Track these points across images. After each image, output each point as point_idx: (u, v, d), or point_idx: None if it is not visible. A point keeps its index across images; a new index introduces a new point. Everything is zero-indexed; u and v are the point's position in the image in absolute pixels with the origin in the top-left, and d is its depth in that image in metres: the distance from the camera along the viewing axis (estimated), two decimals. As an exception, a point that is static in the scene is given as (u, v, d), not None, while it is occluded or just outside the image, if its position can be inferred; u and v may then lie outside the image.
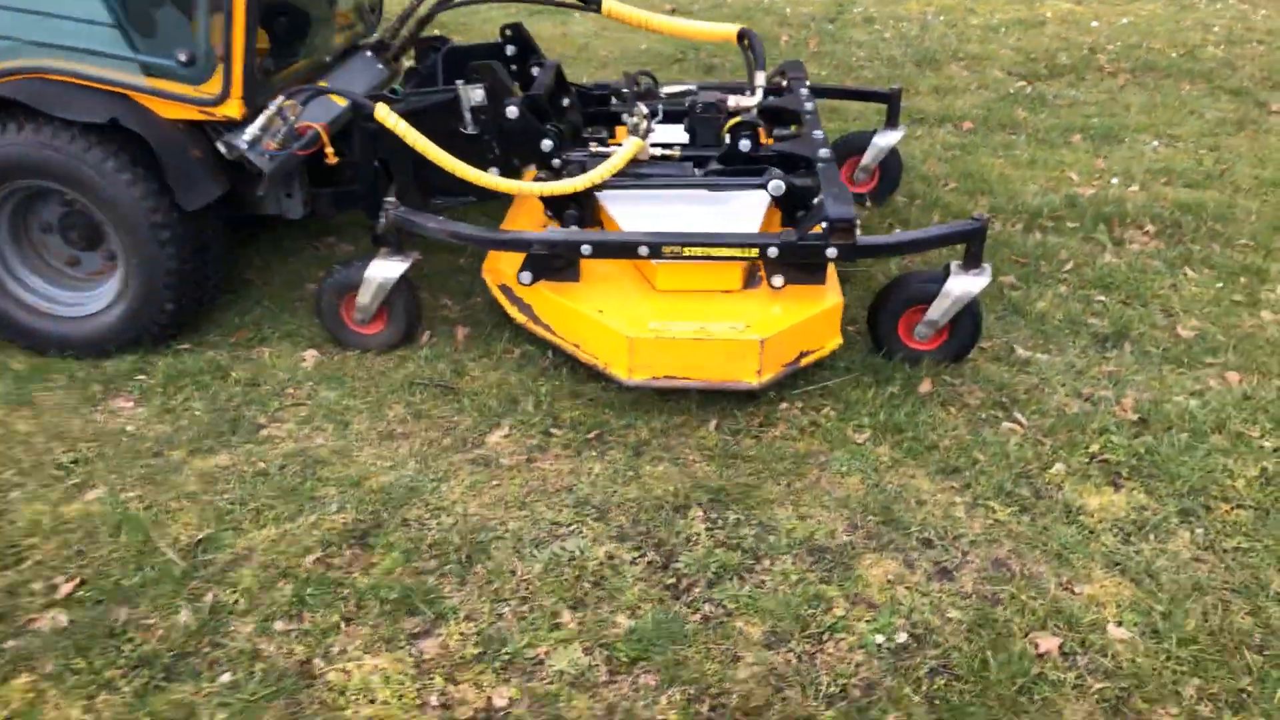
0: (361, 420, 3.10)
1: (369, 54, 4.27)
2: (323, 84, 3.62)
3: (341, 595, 2.46)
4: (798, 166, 3.55)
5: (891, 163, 4.57)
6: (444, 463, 2.91)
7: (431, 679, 2.25)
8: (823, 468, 2.89)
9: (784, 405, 3.16)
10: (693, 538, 2.63)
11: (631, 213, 3.47)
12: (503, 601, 2.44)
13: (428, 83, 4.04)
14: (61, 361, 3.37)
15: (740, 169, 3.54)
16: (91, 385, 3.26)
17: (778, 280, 3.23)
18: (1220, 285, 3.88)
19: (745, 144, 3.57)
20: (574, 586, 2.48)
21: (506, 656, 2.30)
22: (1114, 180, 4.80)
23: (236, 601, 2.43)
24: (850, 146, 4.59)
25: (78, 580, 2.49)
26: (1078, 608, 2.40)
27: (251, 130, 3.18)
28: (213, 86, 3.14)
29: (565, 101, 4.13)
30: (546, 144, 3.55)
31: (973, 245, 3.18)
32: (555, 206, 3.52)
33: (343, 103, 3.52)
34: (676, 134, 3.87)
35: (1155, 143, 5.30)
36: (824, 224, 3.10)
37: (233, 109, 3.19)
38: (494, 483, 2.84)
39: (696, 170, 3.55)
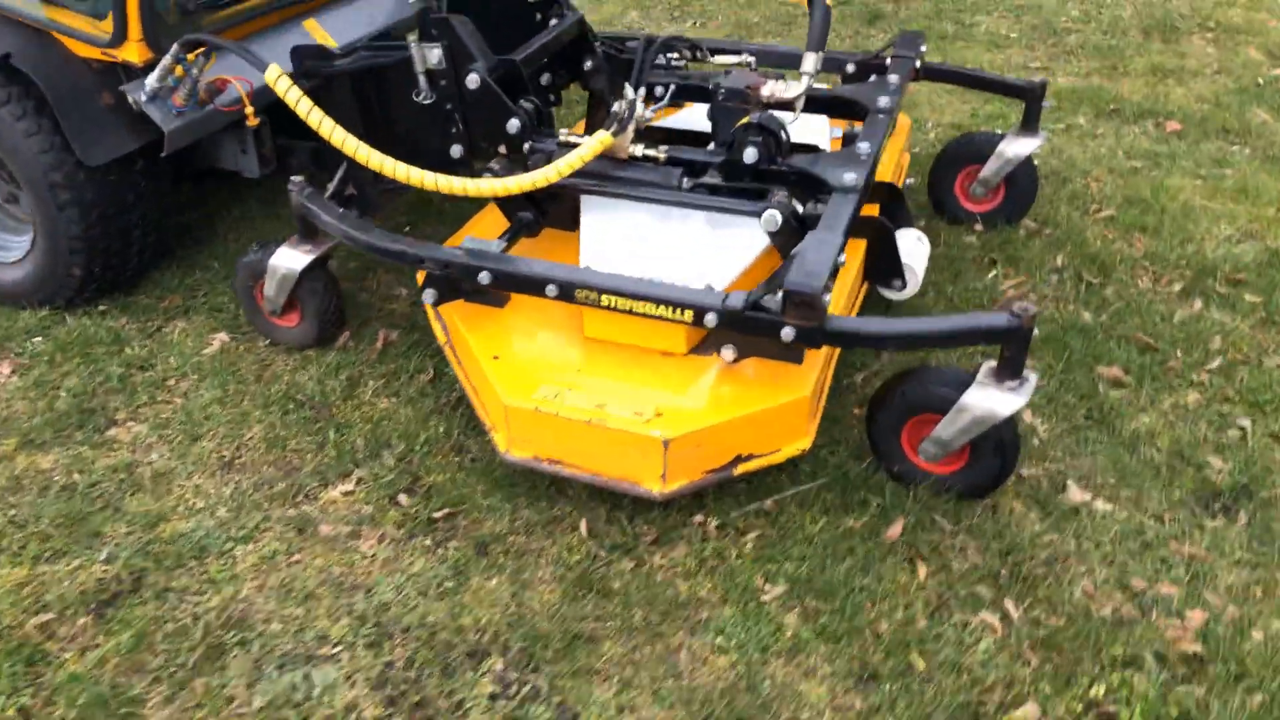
0: (213, 438, 2.66)
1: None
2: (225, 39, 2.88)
3: (35, 681, 2.05)
4: (822, 189, 2.67)
5: (1022, 178, 3.49)
6: (258, 516, 2.42)
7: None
8: (695, 630, 2.14)
9: (698, 517, 2.40)
10: (465, 707, 2.00)
11: (601, 225, 2.75)
12: (198, 741, 1.95)
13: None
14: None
15: (742, 186, 2.70)
16: (-16, 341, 3.03)
17: (728, 353, 2.43)
18: None
19: (751, 153, 2.70)
20: (285, 743, 1.94)
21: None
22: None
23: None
24: (969, 150, 3.55)
25: None
26: None
27: (150, 81, 2.73)
28: (109, 24, 2.70)
29: (588, 64, 3.39)
30: (513, 124, 2.86)
31: (1008, 349, 2.23)
32: (507, 205, 2.87)
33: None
34: (700, 121, 3.06)
35: None
36: (780, 293, 2.26)
37: (131, 52, 2.74)
38: (294, 558, 2.32)
39: (686, 180, 2.74)
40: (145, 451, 2.62)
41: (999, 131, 3.59)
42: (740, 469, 2.38)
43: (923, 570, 2.26)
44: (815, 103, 3.19)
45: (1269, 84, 4.52)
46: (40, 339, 3.01)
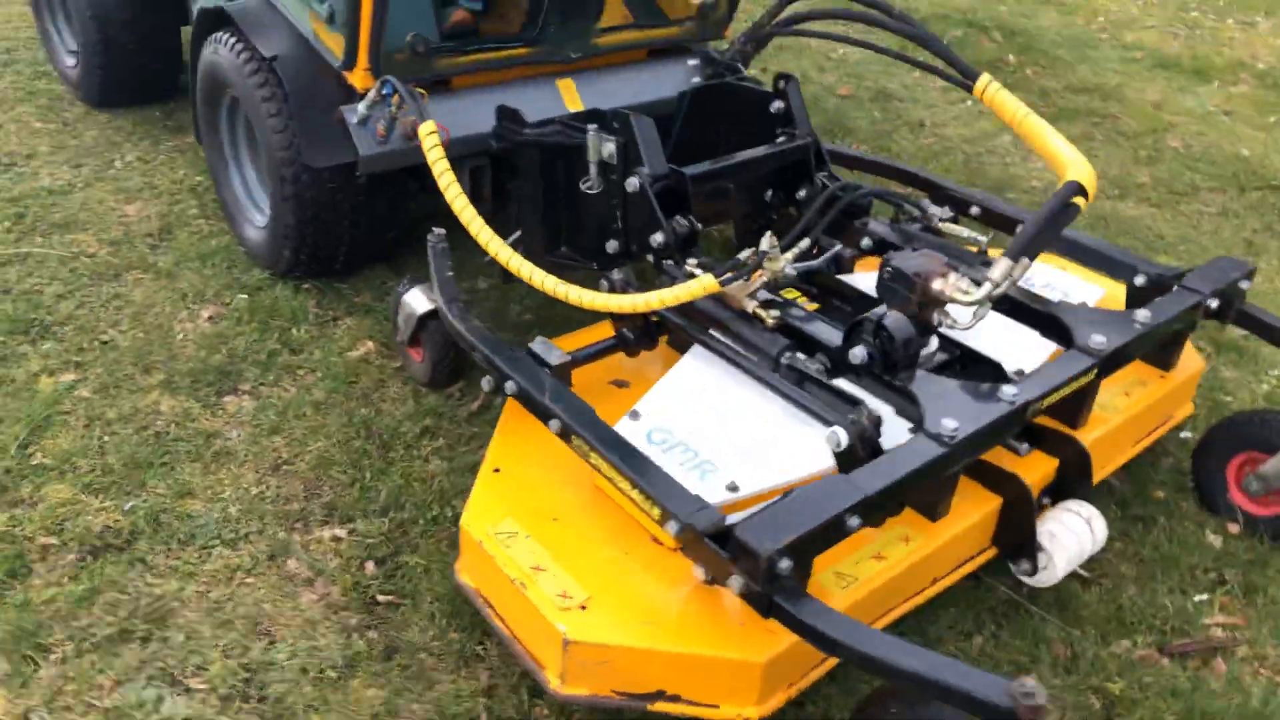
0: (287, 437, 2.84)
1: (690, 62, 3.63)
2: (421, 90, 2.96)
3: (1, 595, 2.34)
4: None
5: None
6: (255, 525, 2.54)
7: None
8: None
9: (598, 731, 2.10)
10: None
11: (689, 369, 2.53)
12: None
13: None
14: (228, 256, 3.64)
15: (832, 389, 2.30)
16: (206, 287, 3.47)
17: (699, 572, 2.07)
18: None
19: (859, 353, 2.29)
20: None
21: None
22: None
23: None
24: (1253, 431, 2.73)
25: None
26: None
27: (360, 108, 2.95)
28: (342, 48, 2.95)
29: (802, 193, 3.08)
30: (657, 238, 2.70)
31: None
32: (615, 318, 2.72)
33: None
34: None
35: None
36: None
37: (356, 78, 2.98)
38: (248, 579, 2.40)
39: (793, 355, 2.38)
40: (231, 426, 2.88)
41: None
42: (660, 707, 2.03)
43: None
44: (1014, 308, 2.66)
45: None
46: (245, 297, 3.42)
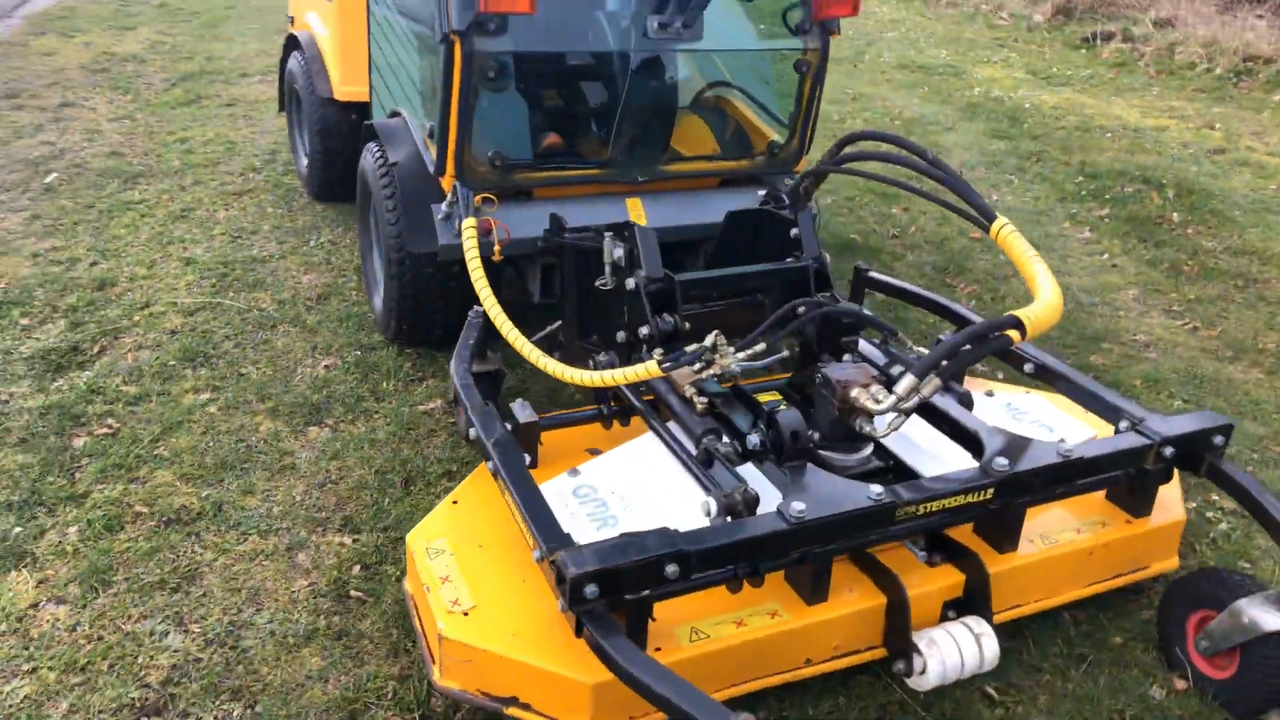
0: (339, 462, 3.48)
1: (760, 192, 4.06)
2: (488, 199, 3.60)
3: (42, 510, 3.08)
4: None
5: (1265, 660, 2.55)
6: (257, 523, 3.17)
7: None
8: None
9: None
10: None
11: (633, 446, 2.92)
12: None
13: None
14: (361, 322, 4.42)
15: (729, 468, 2.61)
16: (334, 342, 4.25)
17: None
18: None
19: (753, 440, 2.60)
20: None
21: None
22: None
23: None
24: (1207, 590, 2.71)
25: None
26: None
27: (442, 206, 3.63)
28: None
29: (800, 309, 3.38)
30: (643, 330, 3.13)
31: None
32: (598, 396, 3.17)
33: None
34: None
35: None
36: None
37: (445, 182, 3.67)
38: (217, 561, 3.01)
39: (707, 440, 2.71)
40: (304, 449, 3.55)
41: (1250, 577, 2.64)
42: (513, 712, 2.38)
43: None
44: (945, 425, 2.83)
45: None
46: (359, 353, 4.17)
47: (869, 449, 2.81)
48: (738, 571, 2.40)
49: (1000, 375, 4.14)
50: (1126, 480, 2.90)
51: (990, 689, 2.70)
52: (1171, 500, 3.00)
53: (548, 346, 3.42)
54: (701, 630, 2.44)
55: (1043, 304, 2.64)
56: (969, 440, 2.78)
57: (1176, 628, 2.78)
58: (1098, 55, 10.51)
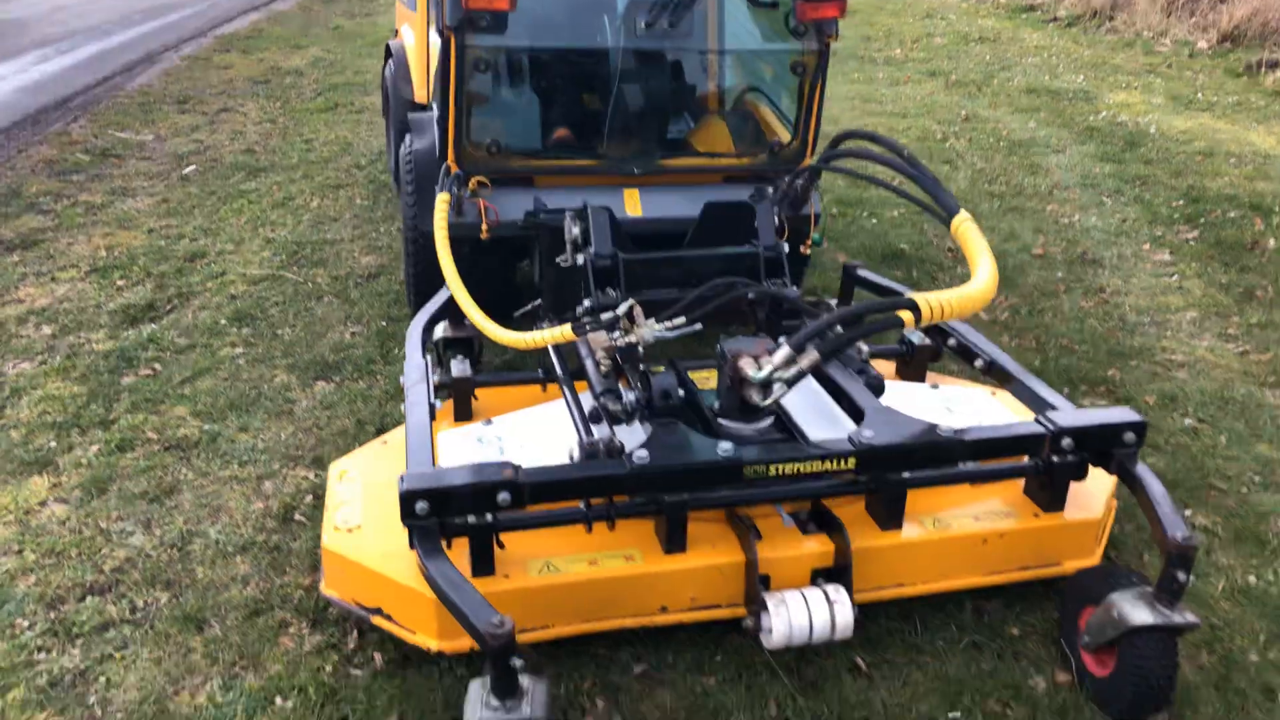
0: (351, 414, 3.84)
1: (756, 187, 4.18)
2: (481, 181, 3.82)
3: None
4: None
5: (1138, 659, 2.48)
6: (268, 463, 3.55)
7: None
8: None
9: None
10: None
11: (548, 405, 3.13)
12: None
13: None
14: (398, 297, 4.79)
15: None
16: (366, 313, 4.65)
17: None
18: None
19: (629, 398, 2.74)
20: None
21: None
22: None
23: None
24: (1093, 585, 2.65)
25: None
26: None
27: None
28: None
29: (750, 295, 3.48)
30: (586, 302, 3.33)
31: None
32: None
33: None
34: None
35: None
36: None
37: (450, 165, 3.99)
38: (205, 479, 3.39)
39: (602, 398, 2.87)
40: (305, 399, 3.92)
41: (1139, 574, 2.58)
42: (379, 621, 2.62)
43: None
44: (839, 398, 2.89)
45: None
46: (384, 323, 4.54)
47: (767, 421, 2.88)
48: (589, 514, 2.56)
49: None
50: (1037, 473, 2.84)
51: (861, 660, 2.71)
52: (1092, 498, 2.90)
53: (531, 322, 3.67)
54: (554, 565, 2.60)
55: (956, 293, 2.65)
56: (857, 415, 2.81)
57: (1069, 623, 2.70)
58: (1259, 83, 9.81)
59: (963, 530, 2.79)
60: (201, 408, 3.85)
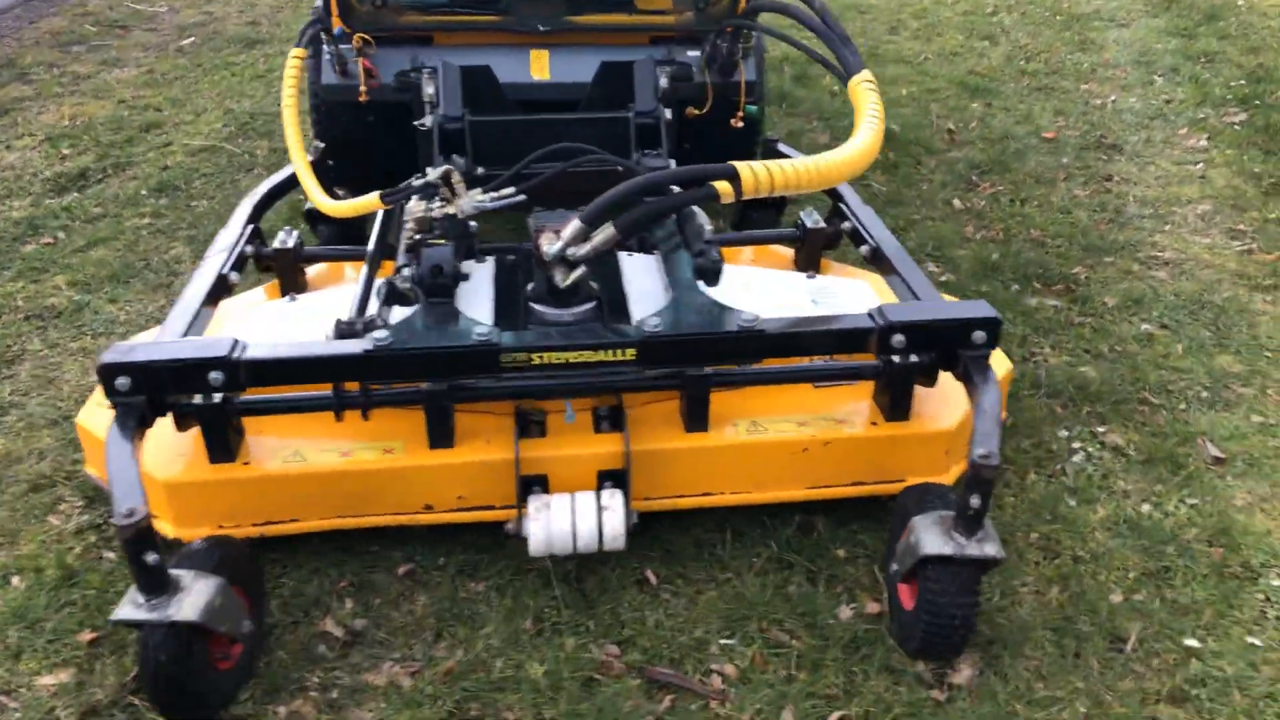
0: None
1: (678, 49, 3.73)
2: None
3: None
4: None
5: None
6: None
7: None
8: None
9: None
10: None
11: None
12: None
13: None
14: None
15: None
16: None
17: None
18: None
19: (406, 274, 2.46)
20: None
21: None
22: None
23: None
24: (903, 507, 2.29)
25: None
26: None
27: (329, 48, 3.66)
28: (333, 0, 3.67)
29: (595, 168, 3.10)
30: (431, 169, 3.02)
31: None
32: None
33: None
34: None
35: None
36: None
37: (333, 23, 3.67)
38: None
39: (400, 275, 2.59)
40: (189, 271, 3.78)
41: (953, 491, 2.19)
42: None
43: None
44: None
45: None
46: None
47: (586, 306, 2.56)
48: (339, 400, 2.33)
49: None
50: (876, 375, 2.46)
51: (653, 575, 2.44)
52: (948, 407, 2.50)
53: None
54: (302, 454, 2.39)
55: (801, 161, 2.25)
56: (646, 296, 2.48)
57: (890, 548, 2.35)
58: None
59: (779, 436, 2.44)
60: (81, 277, 3.75)
